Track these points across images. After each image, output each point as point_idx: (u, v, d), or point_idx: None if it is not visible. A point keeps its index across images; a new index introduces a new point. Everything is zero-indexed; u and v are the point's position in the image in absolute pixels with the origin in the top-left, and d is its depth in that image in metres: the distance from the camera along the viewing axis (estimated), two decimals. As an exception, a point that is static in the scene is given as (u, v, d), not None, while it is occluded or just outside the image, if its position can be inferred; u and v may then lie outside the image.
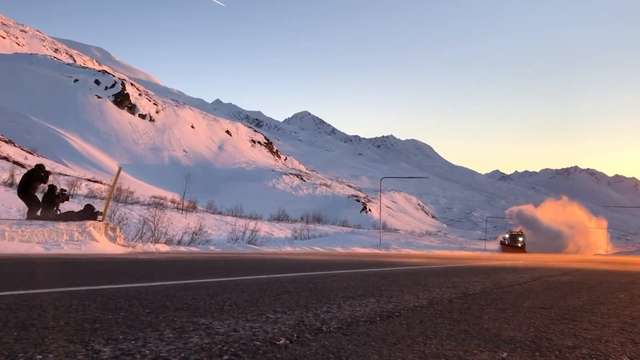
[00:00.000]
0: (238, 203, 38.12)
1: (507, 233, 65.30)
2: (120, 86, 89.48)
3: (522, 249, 57.13)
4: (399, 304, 3.07)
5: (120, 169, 13.57)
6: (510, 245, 58.23)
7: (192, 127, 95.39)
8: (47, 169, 13.62)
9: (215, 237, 20.53)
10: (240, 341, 1.86)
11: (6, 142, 43.51)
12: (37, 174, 12.33)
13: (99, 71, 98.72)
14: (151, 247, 13.43)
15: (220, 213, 32.69)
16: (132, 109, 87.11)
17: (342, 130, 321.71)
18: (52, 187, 12.69)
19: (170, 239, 16.16)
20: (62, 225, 11.02)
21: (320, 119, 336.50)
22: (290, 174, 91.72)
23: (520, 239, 61.18)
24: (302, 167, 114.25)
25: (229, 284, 4.19)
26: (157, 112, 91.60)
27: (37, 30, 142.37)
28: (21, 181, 12.66)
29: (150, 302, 2.81)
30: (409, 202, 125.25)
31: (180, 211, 26.49)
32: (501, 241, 61.21)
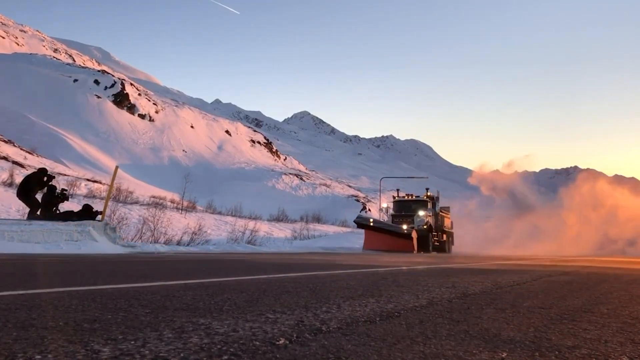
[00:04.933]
0: (237, 203, 38.08)
1: (390, 201, 28.76)
2: (120, 86, 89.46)
3: (411, 240, 23.30)
4: (398, 304, 3.06)
5: (117, 167, 13.58)
6: (386, 229, 23.82)
7: (192, 127, 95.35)
8: (47, 169, 13.64)
9: (214, 237, 20.53)
10: (240, 341, 1.86)
11: (5, 142, 43.49)
12: (39, 178, 12.34)
13: (99, 71, 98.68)
14: (150, 247, 13.43)
15: (219, 213, 32.67)
16: (131, 109, 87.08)
17: (341, 130, 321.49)
18: (51, 187, 12.69)
19: (169, 239, 16.16)
20: (61, 225, 11.02)
21: (320, 119, 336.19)
22: (290, 173, 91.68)
23: (422, 213, 25.83)
24: (301, 167, 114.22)
25: (228, 284, 4.18)
26: (156, 112, 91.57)
27: (37, 30, 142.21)
28: (21, 183, 12.68)
29: (149, 302, 2.81)
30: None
31: (180, 211, 26.48)
32: (359, 219, 26.00)
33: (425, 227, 25.42)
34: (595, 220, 43.58)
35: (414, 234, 23.49)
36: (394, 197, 29.17)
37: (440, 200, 29.40)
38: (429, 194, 28.79)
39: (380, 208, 29.05)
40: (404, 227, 24.07)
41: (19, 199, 12.51)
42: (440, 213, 28.91)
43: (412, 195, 28.83)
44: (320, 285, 4.12)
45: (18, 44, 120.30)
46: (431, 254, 21.71)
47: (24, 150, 43.44)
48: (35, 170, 13.68)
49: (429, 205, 27.21)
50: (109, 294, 3.18)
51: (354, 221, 26.20)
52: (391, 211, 27.46)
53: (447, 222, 30.25)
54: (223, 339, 1.90)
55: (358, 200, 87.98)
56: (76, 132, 70.39)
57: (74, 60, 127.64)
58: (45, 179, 12.47)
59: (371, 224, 24.51)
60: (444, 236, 28.76)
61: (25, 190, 12.14)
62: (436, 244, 26.78)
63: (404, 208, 27.29)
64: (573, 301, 3.71)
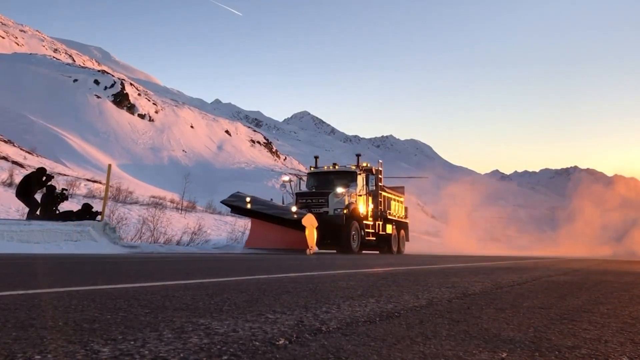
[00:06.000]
0: (237, 203, 38.03)
1: (300, 174, 20.27)
2: (120, 86, 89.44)
3: (303, 232, 13.86)
4: (398, 304, 3.06)
5: (110, 165, 13.54)
6: (267, 214, 14.75)
7: (192, 127, 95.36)
8: (47, 169, 13.65)
9: (214, 237, 20.51)
10: (240, 341, 1.86)
11: (5, 142, 43.47)
12: (38, 178, 12.36)
13: (99, 71, 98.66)
14: (150, 247, 13.43)
15: (219, 213, 32.64)
16: (131, 108, 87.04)
17: (341, 130, 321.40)
18: (51, 187, 12.70)
19: (169, 239, 16.15)
20: (60, 225, 11.02)
21: (320, 119, 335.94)
22: (290, 173, 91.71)
23: (340, 190, 16.39)
24: (301, 167, 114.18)
25: (228, 284, 4.18)
26: (156, 112, 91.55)
27: (37, 30, 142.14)
28: (21, 183, 12.68)
29: (149, 302, 2.81)
30: (409, 202, 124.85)
31: (180, 211, 26.46)
32: (232, 198, 15.86)
33: (345, 211, 16.22)
34: None
35: (308, 221, 14.22)
36: (310, 168, 20.51)
37: (383, 173, 19.58)
38: (362, 163, 19.08)
39: (281, 183, 19.45)
40: (293, 209, 14.98)
41: (18, 199, 12.51)
42: (384, 193, 19.47)
43: (335, 165, 19.32)
44: (320, 285, 4.12)
45: (18, 44, 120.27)
46: (355, 256, 14.40)
47: (23, 150, 43.42)
48: (35, 170, 13.68)
49: (361, 179, 17.89)
50: (108, 294, 3.17)
51: (222, 202, 16.84)
52: (302, 188, 18.82)
53: (396, 208, 20.99)
54: (223, 339, 1.89)
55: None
56: (76, 132, 70.39)
57: (73, 60, 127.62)
58: (44, 178, 12.47)
59: (248, 206, 15.25)
60: (390, 228, 19.52)
61: (25, 190, 12.14)
62: (371, 239, 17.84)
63: (321, 184, 18.15)
64: (573, 301, 3.71)
